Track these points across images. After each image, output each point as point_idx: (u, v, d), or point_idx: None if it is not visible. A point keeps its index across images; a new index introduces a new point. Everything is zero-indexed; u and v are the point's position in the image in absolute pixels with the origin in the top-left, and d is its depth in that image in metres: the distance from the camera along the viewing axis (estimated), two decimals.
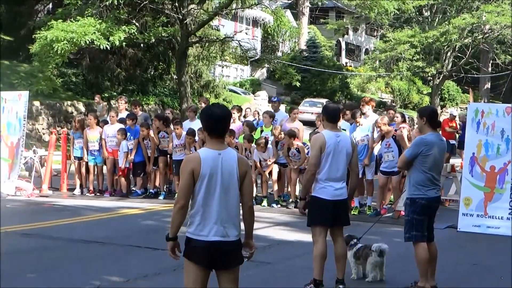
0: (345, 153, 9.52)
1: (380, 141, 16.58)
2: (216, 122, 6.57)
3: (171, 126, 19.47)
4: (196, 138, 18.41)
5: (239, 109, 21.22)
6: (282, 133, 18.20)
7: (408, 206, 9.85)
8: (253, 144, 18.23)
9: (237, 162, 6.55)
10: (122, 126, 19.69)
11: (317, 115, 21.52)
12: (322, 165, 9.44)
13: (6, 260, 11.33)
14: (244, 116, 23.88)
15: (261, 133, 19.11)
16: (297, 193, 17.50)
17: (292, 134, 17.59)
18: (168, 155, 19.36)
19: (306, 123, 31.88)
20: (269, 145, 18.18)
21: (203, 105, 21.40)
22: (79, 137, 20.16)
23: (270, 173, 18.37)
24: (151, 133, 19.38)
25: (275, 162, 18.21)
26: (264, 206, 17.96)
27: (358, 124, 17.23)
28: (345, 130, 16.97)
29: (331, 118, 9.74)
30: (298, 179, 17.89)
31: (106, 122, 20.50)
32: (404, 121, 17.88)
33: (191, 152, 17.79)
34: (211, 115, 6.59)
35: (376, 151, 17.17)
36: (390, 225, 15.67)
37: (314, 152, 9.56)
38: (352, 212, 16.45)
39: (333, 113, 9.81)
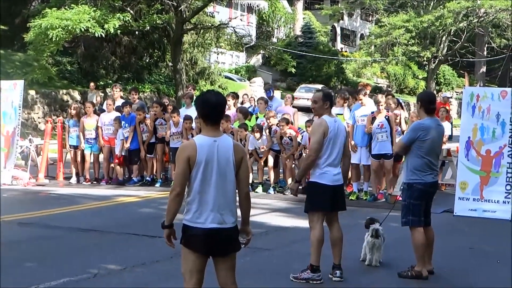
0: (342, 138, 9.55)
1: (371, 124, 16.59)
2: (211, 109, 6.57)
3: (167, 114, 19.47)
4: (193, 125, 18.39)
5: (235, 96, 21.19)
6: (275, 117, 18.20)
7: (405, 191, 9.89)
8: (248, 133, 18.20)
9: (233, 148, 6.56)
10: (118, 114, 19.67)
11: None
12: (323, 150, 9.43)
13: (4, 249, 11.33)
14: (242, 103, 23.87)
15: (256, 120, 19.11)
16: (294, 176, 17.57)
17: (287, 121, 17.60)
18: (166, 142, 19.33)
19: (302, 109, 31.86)
20: (263, 133, 18.15)
21: (192, 90, 21.50)
22: (74, 125, 20.16)
23: (266, 160, 18.35)
24: (147, 120, 19.38)
25: (270, 149, 18.18)
26: (257, 192, 17.93)
27: (361, 103, 17.25)
28: (342, 114, 17.11)
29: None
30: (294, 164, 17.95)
31: (103, 111, 20.52)
32: (398, 107, 17.97)
33: (188, 138, 17.81)
34: (206, 102, 6.59)
35: None
36: (386, 210, 15.67)
37: (317, 137, 9.45)
38: (350, 198, 16.50)
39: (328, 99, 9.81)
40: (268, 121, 18.30)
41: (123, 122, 19.41)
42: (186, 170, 6.45)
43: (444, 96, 29.52)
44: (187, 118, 18.58)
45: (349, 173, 15.12)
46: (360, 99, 17.33)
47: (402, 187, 10.05)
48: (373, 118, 16.50)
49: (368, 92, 18.29)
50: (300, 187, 9.94)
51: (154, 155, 19.57)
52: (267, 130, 18.17)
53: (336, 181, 9.52)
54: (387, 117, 16.40)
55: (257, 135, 17.97)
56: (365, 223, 10.88)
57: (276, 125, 17.98)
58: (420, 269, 9.75)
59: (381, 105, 16.44)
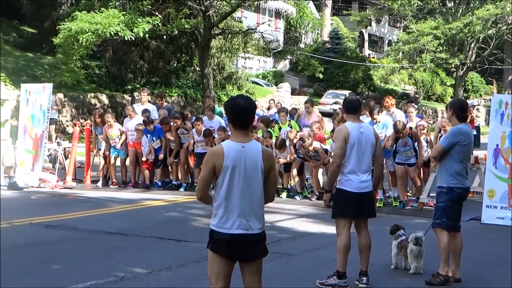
0: (369, 144, 9.50)
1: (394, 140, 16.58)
2: (240, 114, 6.56)
3: (188, 124, 19.33)
4: (216, 135, 18.33)
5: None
6: (298, 135, 18.03)
7: (443, 195, 9.89)
8: (273, 141, 18.09)
9: (262, 154, 6.55)
10: (141, 119, 19.62)
11: (334, 111, 21.36)
12: (346, 157, 9.41)
13: (31, 251, 11.47)
14: (268, 108, 23.85)
15: (279, 131, 18.95)
16: (321, 184, 17.54)
17: (304, 139, 17.37)
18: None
19: (329, 115, 31.78)
20: (286, 147, 18.06)
21: (211, 104, 21.38)
22: (101, 133, 20.18)
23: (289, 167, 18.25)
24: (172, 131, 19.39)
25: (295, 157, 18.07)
26: (282, 198, 17.87)
27: (375, 121, 17.05)
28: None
29: (351, 110, 9.73)
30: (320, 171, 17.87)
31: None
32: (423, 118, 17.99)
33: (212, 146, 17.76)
34: (235, 107, 6.58)
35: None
36: (412, 216, 15.64)
37: (338, 143, 9.51)
38: (378, 204, 16.42)
39: (353, 104, 9.80)
40: (290, 139, 18.09)
41: (149, 136, 19.37)
42: (210, 176, 6.49)
43: (470, 104, 29.20)
44: (206, 135, 18.53)
45: None
46: (375, 118, 17.15)
47: (438, 191, 10.02)
48: (397, 138, 16.44)
49: (393, 103, 18.27)
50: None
51: (179, 160, 19.58)
52: (291, 146, 18.02)
53: (363, 188, 9.48)
54: (410, 135, 16.34)
55: (283, 149, 17.90)
56: (390, 230, 10.88)
57: (299, 139, 17.70)
58: (445, 271, 9.77)
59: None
